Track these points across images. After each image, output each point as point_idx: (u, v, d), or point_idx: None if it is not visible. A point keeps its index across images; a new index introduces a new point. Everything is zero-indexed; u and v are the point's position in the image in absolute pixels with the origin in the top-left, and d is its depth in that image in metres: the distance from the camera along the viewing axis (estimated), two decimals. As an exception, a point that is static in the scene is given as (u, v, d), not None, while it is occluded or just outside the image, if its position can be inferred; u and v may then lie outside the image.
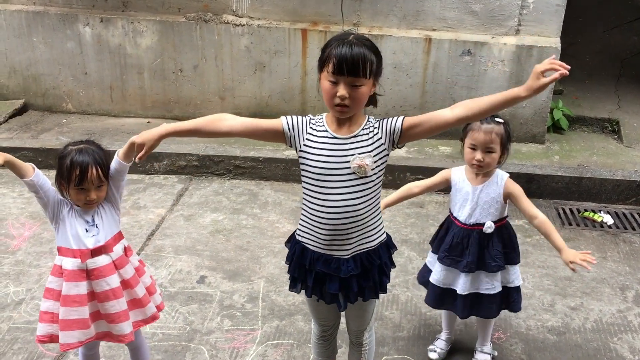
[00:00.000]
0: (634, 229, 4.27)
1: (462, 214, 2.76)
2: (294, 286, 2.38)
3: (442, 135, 5.26)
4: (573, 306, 3.44)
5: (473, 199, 2.73)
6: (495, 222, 2.74)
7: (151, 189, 4.70)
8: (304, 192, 2.25)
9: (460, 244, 2.75)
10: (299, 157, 2.21)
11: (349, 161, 2.12)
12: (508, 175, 2.78)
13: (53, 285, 2.44)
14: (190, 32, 5.27)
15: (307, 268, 2.28)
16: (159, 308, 2.64)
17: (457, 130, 5.12)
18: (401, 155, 5.03)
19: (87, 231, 2.41)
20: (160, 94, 5.53)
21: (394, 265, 2.39)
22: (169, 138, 2.23)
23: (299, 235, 2.31)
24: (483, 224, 2.73)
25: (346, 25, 5.09)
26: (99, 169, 2.35)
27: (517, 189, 2.74)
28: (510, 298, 2.84)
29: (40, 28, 5.46)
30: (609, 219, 4.36)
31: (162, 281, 3.57)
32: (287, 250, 2.40)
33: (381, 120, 2.18)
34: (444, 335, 3.08)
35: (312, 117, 2.23)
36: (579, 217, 4.42)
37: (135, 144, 2.19)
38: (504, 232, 2.80)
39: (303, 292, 2.38)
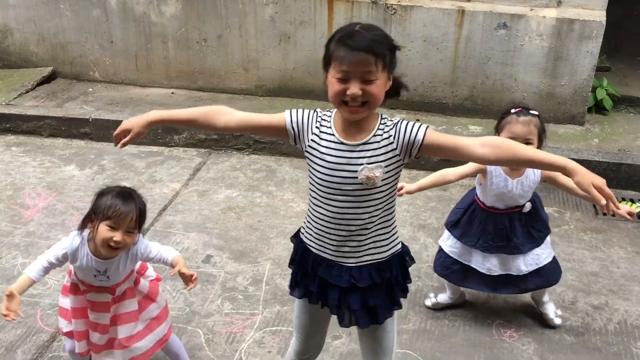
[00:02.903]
0: (674, 221, 3.95)
1: (501, 204, 2.80)
2: (293, 289, 2.15)
3: (472, 113, 5.00)
4: (596, 305, 3.20)
5: (515, 192, 2.75)
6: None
7: (169, 162, 4.63)
8: (310, 191, 2.02)
9: (504, 229, 2.80)
10: (305, 156, 1.98)
11: (356, 171, 1.87)
12: None
13: (68, 283, 2.50)
14: (214, 0, 5.12)
15: (310, 272, 2.07)
16: (164, 339, 2.57)
17: (488, 109, 4.87)
18: (445, 133, 4.79)
19: (95, 276, 2.37)
20: (184, 64, 5.43)
21: (409, 280, 2.11)
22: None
23: (303, 234, 2.11)
24: (522, 206, 2.80)
25: (375, -5, 4.83)
26: (136, 214, 2.26)
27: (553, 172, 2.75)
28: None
29: (67, -5, 5.42)
30: (648, 210, 4.04)
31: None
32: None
33: (398, 125, 1.88)
34: (447, 293, 3.11)
35: (320, 112, 1.96)
36: (615, 206, 4.12)
37: (119, 131, 2.00)
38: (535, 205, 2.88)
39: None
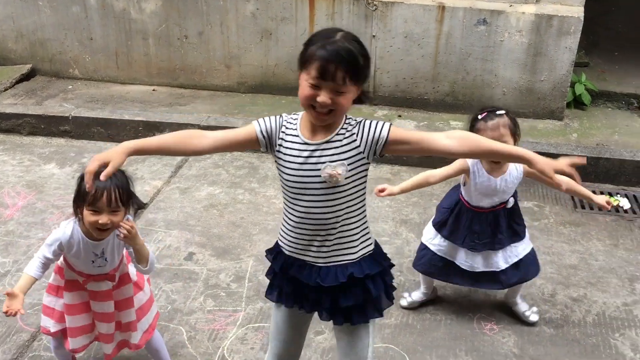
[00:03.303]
0: (652, 214, 4.02)
1: (486, 203, 2.83)
2: (270, 293, 2.15)
3: (453, 109, 5.04)
4: (575, 297, 3.25)
5: (499, 189, 2.78)
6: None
7: (150, 160, 4.60)
8: (282, 193, 2.03)
9: (490, 226, 2.84)
10: (275, 162, 1.99)
11: (320, 169, 1.88)
12: None
13: (55, 281, 2.48)
14: (194, -3, 5.10)
15: (282, 273, 2.07)
16: (152, 326, 2.58)
17: (469, 104, 4.90)
18: (410, 129, 4.82)
19: (93, 262, 2.35)
20: (165, 60, 5.40)
21: (392, 285, 2.09)
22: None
23: (279, 237, 2.10)
24: (506, 202, 2.85)
25: (356, -8, 4.84)
26: (117, 192, 2.22)
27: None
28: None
29: (45, -9, 5.36)
30: (625, 203, 4.10)
31: (149, 257, 3.49)
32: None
33: (362, 124, 1.90)
34: (421, 289, 3.13)
35: (286, 116, 1.97)
36: (593, 200, 4.17)
37: (98, 164, 1.83)
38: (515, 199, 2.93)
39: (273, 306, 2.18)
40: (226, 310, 3.12)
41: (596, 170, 4.34)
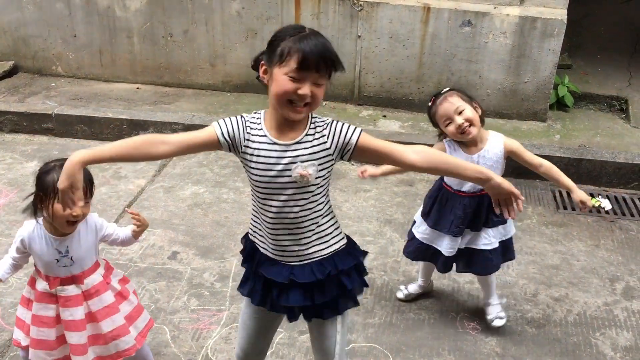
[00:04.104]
0: (632, 215, 4.07)
1: (467, 185, 2.78)
2: (242, 286, 2.17)
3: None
4: (557, 297, 3.28)
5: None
6: None
7: (134, 158, 4.56)
8: (251, 193, 2.03)
9: (472, 212, 2.79)
10: (241, 161, 1.98)
11: (290, 169, 1.88)
12: (502, 135, 2.81)
13: (27, 293, 2.42)
14: (180, -5, 5.08)
15: (254, 270, 2.08)
16: (143, 333, 2.52)
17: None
18: (394, 130, 4.84)
19: (57, 261, 2.30)
20: (150, 59, 5.37)
21: (364, 273, 2.11)
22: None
23: (250, 233, 2.12)
24: None
25: (342, -8, 4.85)
26: (87, 183, 2.20)
27: (516, 144, 2.78)
28: (507, 250, 2.94)
29: (28, -13, 5.31)
30: (607, 204, 4.15)
31: (132, 256, 3.47)
32: None
33: (331, 125, 1.92)
34: (419, 282, 3.16)
35: (246, 116, 1.95)
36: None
37: (64, 190, 1.79)
38: None
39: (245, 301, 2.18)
40: (210, 310, 3.11)
41: (578, 171, 4.39)
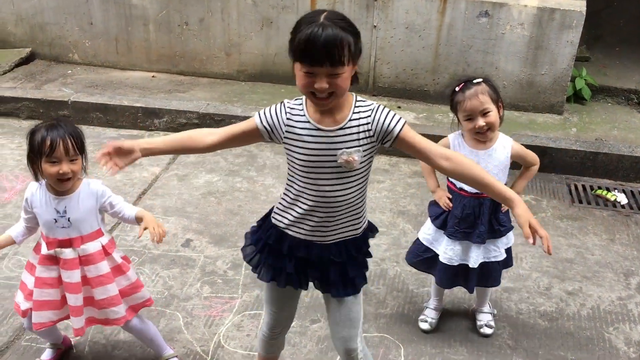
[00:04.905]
0: (648, 210, 4.03)
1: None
2: (260, 272, 2.18)
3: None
4: (570, 291, 3.26)
5: (482, 165, 2.59)
6: None
7: (149, 146, 4.59)
8: (289, 178, 2.05)
9: (472, 214, 2.69)
10: (284, 147, 2.01)
11: (335, 155, 1.92)
12: (511, 139, 2.73)
13: (32, 259, 2.49)
14: (196, -17, 5.08)
15: (286, 254, 2.10)
16: (135, 308, 2.56)
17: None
18: (408, 121, 4.78)
19: (55, 221, 2.35)
20: (165, 47, 5.38)
21: (370, 255, 2.22)
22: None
23: (276, 219, 2.12)
24: None
25: (358, -19, 4.82)
26: (71, 140, 2.26)
27: (523, 148, 2.74)
28: (508, 258, 2.87)
29: (45, -25, 5.33)
30: (622, 198, 4.11)
31: (146, 242, 3.49)
32: None
33: (376, 112, 1.93)
34: (432, 303, 3.01)
35: (288, 102, 1.97)
36: (591, 194, 4.19)
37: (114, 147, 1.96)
38: None
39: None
40: (223, 297, 3.13)
41: (595, 164, 4.35)
